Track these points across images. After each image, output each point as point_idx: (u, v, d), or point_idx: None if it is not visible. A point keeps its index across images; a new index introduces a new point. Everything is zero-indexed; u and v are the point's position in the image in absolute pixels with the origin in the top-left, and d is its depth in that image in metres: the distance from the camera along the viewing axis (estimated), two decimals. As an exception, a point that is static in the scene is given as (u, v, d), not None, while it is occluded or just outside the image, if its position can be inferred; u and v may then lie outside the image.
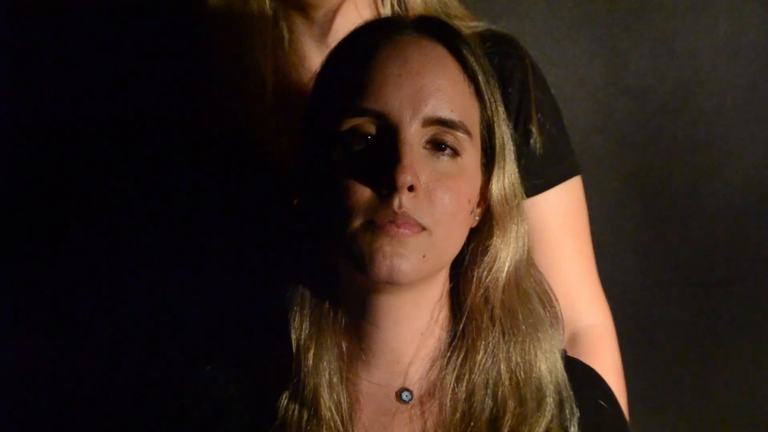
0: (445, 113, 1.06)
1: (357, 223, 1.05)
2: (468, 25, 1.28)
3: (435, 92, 1.07)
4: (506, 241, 1.13)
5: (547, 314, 1.15)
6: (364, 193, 1.05)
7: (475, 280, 1.13)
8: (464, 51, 1.11)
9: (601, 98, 1.70)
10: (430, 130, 1.06)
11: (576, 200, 1.38)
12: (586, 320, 1.34)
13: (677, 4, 1.66)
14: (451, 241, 1.10)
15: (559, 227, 1.36)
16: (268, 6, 1.34)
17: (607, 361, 1.32)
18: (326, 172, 1.09)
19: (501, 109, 1.14)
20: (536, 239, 1.30)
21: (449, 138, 1.06)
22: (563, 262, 1.35)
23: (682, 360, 1.70)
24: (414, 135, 1.04)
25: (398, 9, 1.35)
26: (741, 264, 1.72)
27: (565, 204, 1.37)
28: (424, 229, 1.04)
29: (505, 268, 1.13)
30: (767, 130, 1.68)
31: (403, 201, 1.01)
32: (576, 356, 1.29)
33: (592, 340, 1.35)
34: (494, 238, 1.12)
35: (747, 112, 1.68)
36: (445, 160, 1.07)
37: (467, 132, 1.07)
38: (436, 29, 1.13)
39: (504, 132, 1.14)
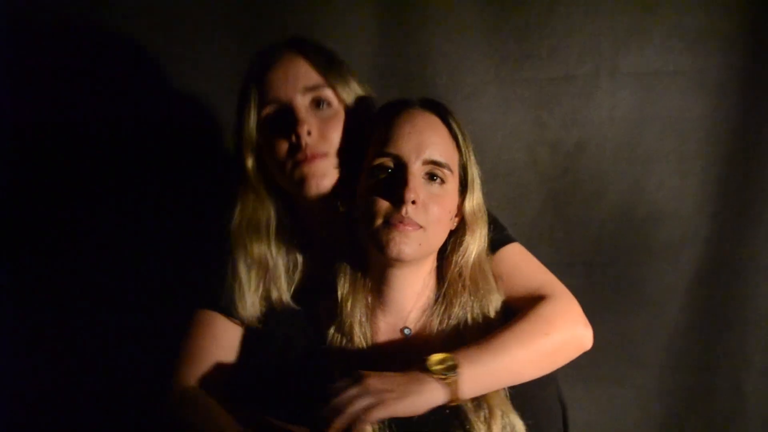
0: (437, 157, 1.35)
1: (379, 221, 1.31)
2: None
3: (431, 144, 1.33)
4: (474, 238, 1.42)
5: (496, 282, 1.41)
6: (384, 204, 1.31)
7: (453, 261, 1.40)
8: (449, 120, 1.38)
9: (531, 148, 1.96)
10: (427, 167, 1.36)
11: (520, 249, 1.55)
12: (551, 292, 1.48)
13: (577, 90, 1.94)
14: (438, 236, 1.36)
15: (521, 257, 1.54)
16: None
17: (572, 301, 1.48)
18: (362, 191, 1.36)
19: (473, 156, 1.41)
20: (515, 269, 1.48)
21: (439, 172, 1.37)
22: (533, 272, 1.52)
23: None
24: (417, 169, 1.36)
25: None
26: (616, 252, 2.00)
27: (516, 249, 1.55)
28: (421, 227, 1.30)
29: (472, 255, 1.39)
30: (631, 168, 1.96)
31: (409, 209, 1.29)
32: (554, 306, 1.41)
33: (558, 297, 1.48)
34: (466, 236, 1.39)
35: (620, 157, 1.97)
36: (436, 186, 1.34)
37: (450, 169, 1.38)
38: (433, 106, 1.40)
39: (474, 171, 1.42)
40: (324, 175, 1.44)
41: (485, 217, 1.42)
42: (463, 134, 1.38)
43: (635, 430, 2.11)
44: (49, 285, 1.93)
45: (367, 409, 1.20)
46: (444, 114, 1.38)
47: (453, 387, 1.25)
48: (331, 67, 1.50)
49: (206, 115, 1.92)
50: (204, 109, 1.92)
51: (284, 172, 1.47)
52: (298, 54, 1.50)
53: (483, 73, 1.94)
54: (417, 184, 1.31)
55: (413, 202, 1.29)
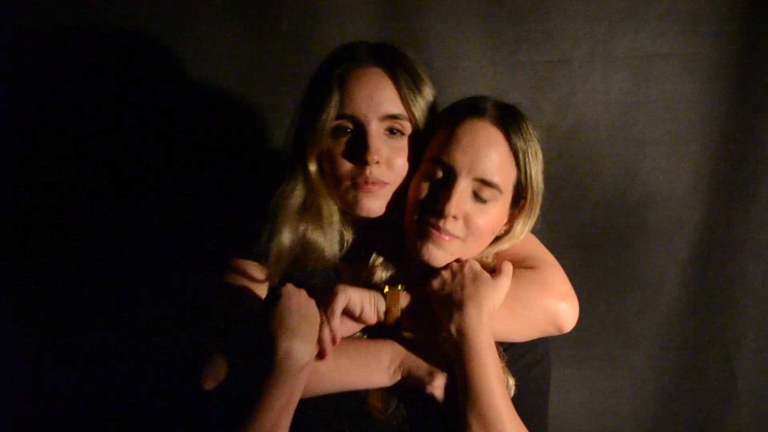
0: (488, 176, 1.37)
1: (418, 225, 1.37)
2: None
3: (485, 161, 1.35)
4: (509, 246, 1.44)
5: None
6: (426, 209, 1.37)
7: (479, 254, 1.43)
8: (513, 136, 1.36)
9: (527, 131, 1.96)
10: (477, 184, 1.38)
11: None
12: (537, 264, 1.49)
13: (572, 73, 1.97)
14: (477, 247, 1.40)
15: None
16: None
17: (557, 277, 1.50)
18: (413, 186, 1.41)
19: (535, 174, 1.38)
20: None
21: (486, 191, 1.38)
22: (523, 245, 1.53)
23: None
24: (465, 185, 1.37)
25: None
26: (609, 234, 2.04)
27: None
28: (459, 238, 1.35)
29: (494, 255, 1.44)
30: (625, 150, 2.00)
31: (447, 223, 1.33)
32: (532, 275, 1.45)
33: (541, 270, 1.48)
34: (503, 244, 1.45)
35: (614, 140, 2.00)
36: (482, 203, 1.36)
37: (500, 190, 1.38)
38: (501, 119, 1.37)
39: (534, 190, 1.39)
40: (377, 203, 1.46)
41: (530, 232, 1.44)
42: (524, 151, 1.38)
43: (628, 409, 2.13)
44: (49, 285, 1.93)
45: (331, 294, 1.33)
46: (509, 129, 1.37)
47: (391, 298, 1.34)
48: (415, 93, 1.47)
49: (206, 113, 1.94)
50: (205, 108, 1.93)
51: (339, 188, 1.48)
52: (388, 75, 1.47)
53: (478, 57, 1.96)
54: (462, 200, 1.34)
55: (454, 217, 1.32)
